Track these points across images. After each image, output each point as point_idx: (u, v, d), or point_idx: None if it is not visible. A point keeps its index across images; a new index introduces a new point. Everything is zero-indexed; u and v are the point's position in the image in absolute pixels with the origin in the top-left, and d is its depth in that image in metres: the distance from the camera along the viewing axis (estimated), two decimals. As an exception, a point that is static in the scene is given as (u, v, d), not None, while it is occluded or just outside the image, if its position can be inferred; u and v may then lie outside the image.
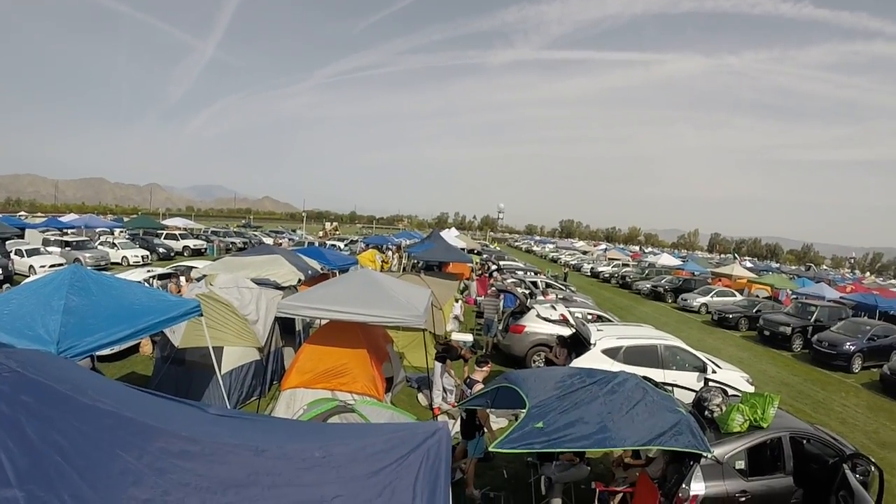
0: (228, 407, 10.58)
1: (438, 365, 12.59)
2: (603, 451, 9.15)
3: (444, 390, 12.60)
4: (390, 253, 40.04)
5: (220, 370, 10.63)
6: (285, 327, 14.01)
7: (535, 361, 15.77)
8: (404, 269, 33.42)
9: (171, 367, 12.00)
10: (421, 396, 13.19)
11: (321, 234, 75.59)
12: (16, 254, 31.61)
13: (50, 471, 2.33)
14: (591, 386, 6.94)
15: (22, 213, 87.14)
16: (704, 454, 6.52)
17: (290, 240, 59.37)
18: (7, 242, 34.37)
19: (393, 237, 55.29)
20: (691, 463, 6.88)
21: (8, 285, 24.39)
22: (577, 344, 13.18)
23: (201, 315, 9.72)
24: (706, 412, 7.85)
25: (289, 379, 11.06)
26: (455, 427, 9.85)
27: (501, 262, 40.28)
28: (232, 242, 52.89)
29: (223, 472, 2.67)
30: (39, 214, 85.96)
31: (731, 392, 10.81)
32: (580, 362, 11.90)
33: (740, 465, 7.42)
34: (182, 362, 11.90)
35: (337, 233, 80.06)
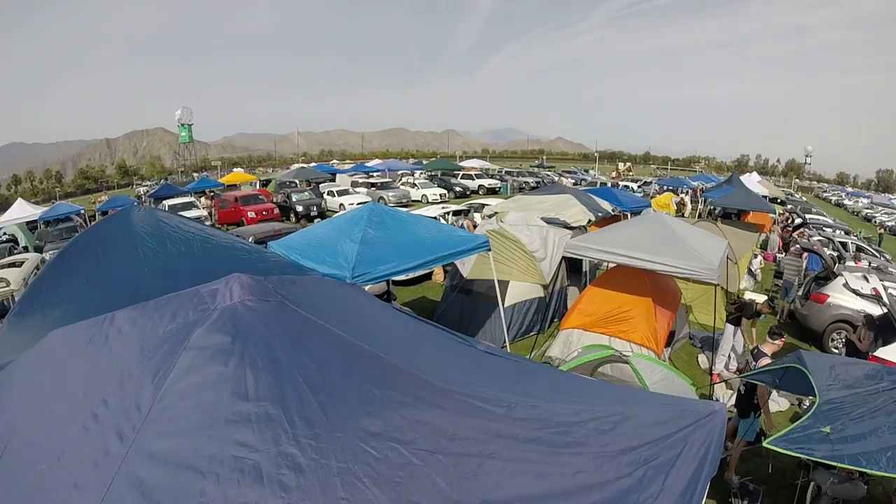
0: (507, 339, 10.87)
1: (730, 328, 11.36)
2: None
3: (730, 356, 11.53)
4: (686, 197, 37.68)
5: (502, 303, 10.81)
6: (572, 267, 13.82)
7: (833, 340, 13.48)
8: (700, 215, 31.26)
9: (459, 296, 12.64)
10: (702, 358, 12.20)
11: (614, 174, 74.45)
12: (328, 194, 37.38)
13: (288, 391, 2.36)
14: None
15: (334, 161, 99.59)
16: None
17: (582, 180, 59.56)
18: (321, 186, 41.26)
19: (689, 180, 51.78)
20: None
21: (319, 219, 28.10)
22: (886, 328, 10.84)
23: (489, 250, 10.02)
24: None
25: (569, 319, 10.98)
26: (731, 400, 8.94)
27: (808, 216, 35.20)
28: (525, 182, 53.85)
29: (466, 418, 2.53)
30: (348, 162, 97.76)
31: None
32: (886, 353, 9.69)
33: None
34: (469, 292, 12.45)
35: (630, 174, 78.42)
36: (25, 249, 25.97)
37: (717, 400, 8.94)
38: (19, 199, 37.58)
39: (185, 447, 2.17)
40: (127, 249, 5.96)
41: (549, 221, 14.34)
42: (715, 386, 10.53)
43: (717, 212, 29.51)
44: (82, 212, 36.59)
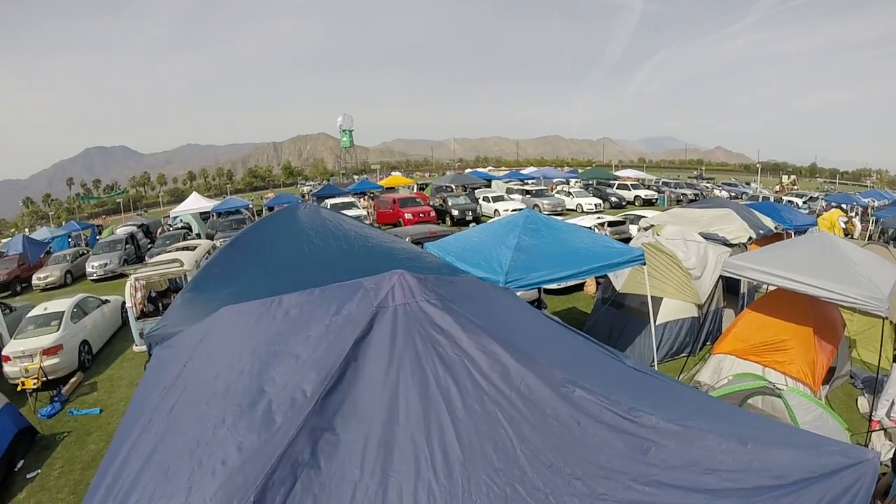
0: (656, 359, 10.65)
1: None
2: None
3: (893, 403, 10.34)
4: (855, 218, 34.55)
5: (654, 321, 10.56)
6: (729, 287, 13.28)
7: None
8: (870, 236, 28.67)
9: (609, 309, 12.47)
10: (862, 401, 10.85)
11: (777, 188, 70.63)
12: (483, 200, 38.70)
13: (432, 421, 2.45)
14: None
15: (489, 167, 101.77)
16: None
17: (743, 193, 56.81)
18: (476, 191, 42.96)
19: (859, 196, 47.30)
20: None
21: (474, 224, 28.94)
22: None
23: (644, 264, 9.84)
24: None
25: (722, 344, 10.43)
26: (889, 454, 7.92)
27: None
28: (683, 194, 52.04)
29: (607, 434, 2.53)
30: (503, 168, 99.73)
31: None
32: None
33: None
34: (620, 306, 12.27)
35: (795, 188, 73.57)
36: (198, 237, 28.76)
37: (872, 449, 8.23)
38: (194, 192, 41.77)
39: (346, 446, 2.33)
40: (293, 242, 6.51)
41: (707, 237, 13.78)
42: (873, 434, 9.42)
43: (890, 233, 27.19)
44: (251, 206, 39.89)
